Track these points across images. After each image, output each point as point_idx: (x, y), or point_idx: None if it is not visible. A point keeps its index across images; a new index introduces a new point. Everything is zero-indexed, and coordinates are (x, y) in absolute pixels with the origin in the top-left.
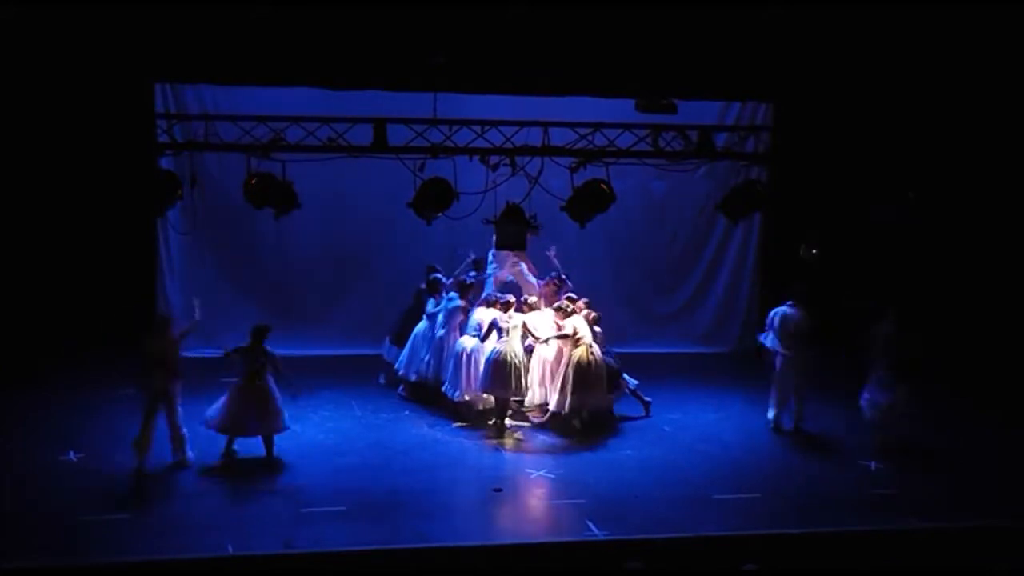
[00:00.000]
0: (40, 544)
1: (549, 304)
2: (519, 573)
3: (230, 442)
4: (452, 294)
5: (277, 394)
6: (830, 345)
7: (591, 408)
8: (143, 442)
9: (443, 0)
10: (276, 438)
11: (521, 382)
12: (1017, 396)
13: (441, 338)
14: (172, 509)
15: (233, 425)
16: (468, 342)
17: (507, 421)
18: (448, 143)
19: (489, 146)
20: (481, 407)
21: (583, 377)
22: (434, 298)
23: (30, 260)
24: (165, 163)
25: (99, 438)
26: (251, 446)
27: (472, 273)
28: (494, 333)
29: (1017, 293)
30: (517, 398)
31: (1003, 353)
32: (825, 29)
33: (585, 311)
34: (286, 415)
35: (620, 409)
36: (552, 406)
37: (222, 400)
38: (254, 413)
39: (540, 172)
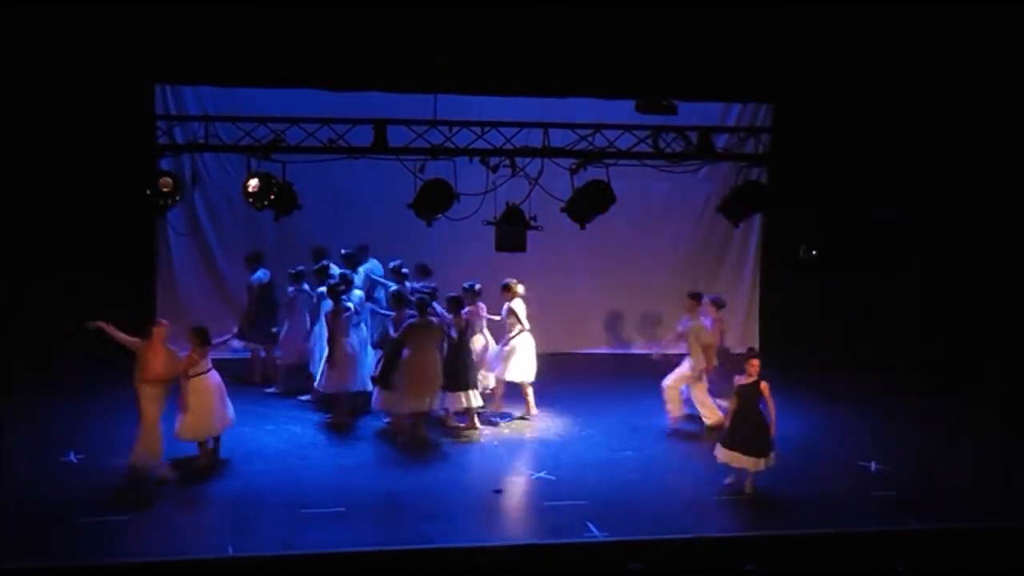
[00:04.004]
0: (40, 545)
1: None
2: (519, 574)
3: (205, 445)
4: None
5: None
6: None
7: None
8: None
9: (443, 0)
10: (276, 439)
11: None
12: (1017, 396)
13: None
14: (172, 510)
15: (206, 428)
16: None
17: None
18: (448, 144)
19: (489, 147)
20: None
21: None
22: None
23: (30, 260)
24: (165, 164)
25: (99, 440)
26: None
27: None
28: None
29: (1017, 293)
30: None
31: (1003, 353)
32: (825, 30)
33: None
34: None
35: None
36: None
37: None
38: (217, 409)
39: (540, 173)
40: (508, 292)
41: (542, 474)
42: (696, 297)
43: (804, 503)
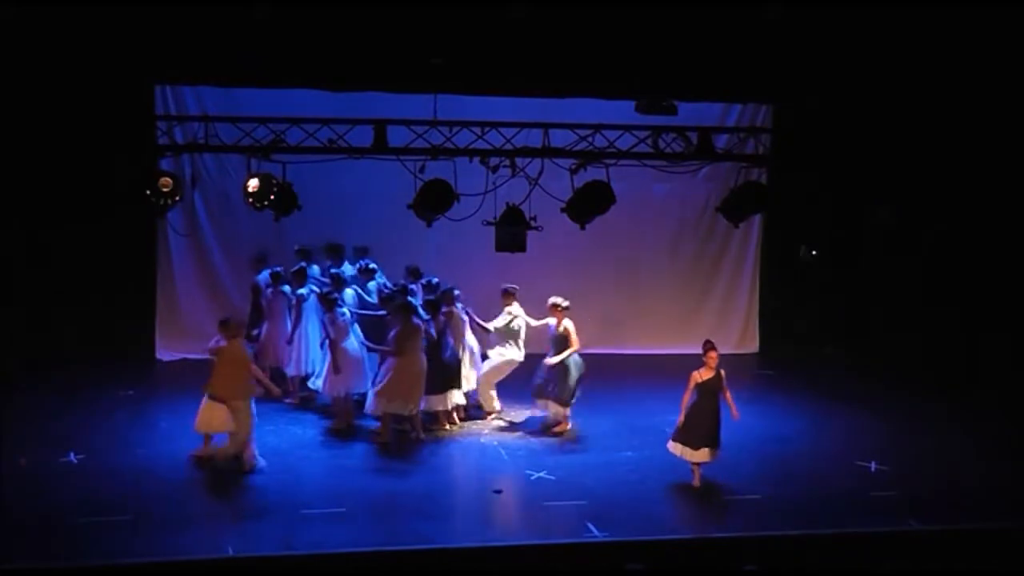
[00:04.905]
0: (40, 545)
1: None
2: (519, 574)
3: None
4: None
5: None
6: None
7: None
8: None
9: (443, 0)
10: (275, 439)
11: None
12: (1016, 397)
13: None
14: (172, 510)
15: (225, 423)
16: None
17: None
18: (448, 144)
19: (489, 147)
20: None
21: None
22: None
23: (30, 260)
24: (165, 164)
25: (99, 440)
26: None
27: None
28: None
29: (1016, 294)
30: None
31: (1002, 354)
32: (826, 31)
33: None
34: None
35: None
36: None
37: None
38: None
39: (540, 174)
40: (448, 298)
41: (542, 474)
42: (508, 293)
43: (804, 503)
